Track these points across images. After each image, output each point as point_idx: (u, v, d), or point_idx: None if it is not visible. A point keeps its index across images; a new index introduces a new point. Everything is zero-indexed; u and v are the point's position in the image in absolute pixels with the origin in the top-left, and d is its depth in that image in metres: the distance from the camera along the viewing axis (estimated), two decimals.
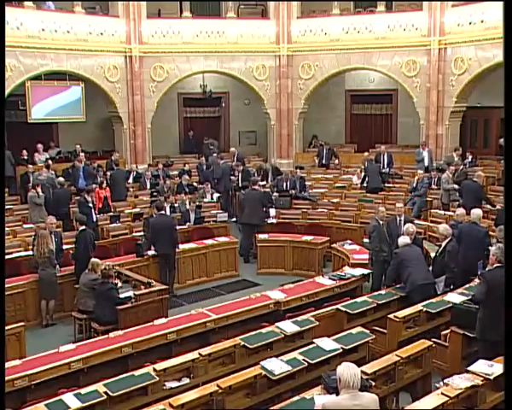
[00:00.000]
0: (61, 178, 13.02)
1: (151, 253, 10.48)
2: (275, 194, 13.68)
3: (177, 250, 10.58)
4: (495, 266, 6.10)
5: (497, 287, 5.75)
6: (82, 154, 14.81)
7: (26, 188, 13.36)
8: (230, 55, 17.26)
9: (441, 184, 12.87)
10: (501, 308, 4.50)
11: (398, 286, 8.20)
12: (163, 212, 10.99)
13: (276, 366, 5.71)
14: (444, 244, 8.31)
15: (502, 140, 13.69)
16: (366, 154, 16.03)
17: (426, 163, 14.91)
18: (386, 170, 14.95)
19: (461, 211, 9.59)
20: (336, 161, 16.81)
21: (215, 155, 16.72)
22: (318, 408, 4.36)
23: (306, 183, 14.51)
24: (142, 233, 11.45)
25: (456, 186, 12.47)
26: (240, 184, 14.89)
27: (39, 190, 11.91)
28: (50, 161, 14.57)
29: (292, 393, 5.58)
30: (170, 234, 10.32)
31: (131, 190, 14.76)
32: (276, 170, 15.70)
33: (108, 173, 14.23)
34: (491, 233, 9.19)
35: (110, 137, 17.60)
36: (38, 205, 11.76)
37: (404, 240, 8.38)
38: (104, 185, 13.14)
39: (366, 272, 9.13)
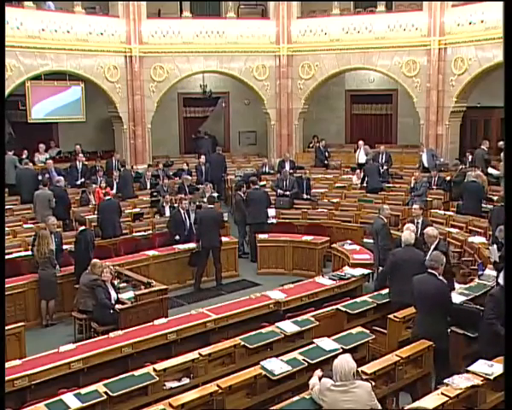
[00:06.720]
0: (62, 178, 13.00)
1: (151, 253, 10.51)
2: (279, 191, 13.65)
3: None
4: None
5: None
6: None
7: None
8: (230, 55, 17.26)
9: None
10: None
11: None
12: (212, 206, 11.25)
13: (276, 366, 5.71)
14: (433, 247, 7.74)
15: (501, 143, 13.70)
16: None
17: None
18: (384, 168, 14.96)
19: None
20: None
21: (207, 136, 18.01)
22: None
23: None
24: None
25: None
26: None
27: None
28: (51, 161, 14.55)
29: (292, 393, 5.57)
30: (216, 227, 10.72)
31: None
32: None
33: (115, 173, 14.22)
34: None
35: (110, 137, 17.60)
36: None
37: (406, 237, 7.44)
38: (104, 185, 13.14)
39: (366, 272, 9.10)
